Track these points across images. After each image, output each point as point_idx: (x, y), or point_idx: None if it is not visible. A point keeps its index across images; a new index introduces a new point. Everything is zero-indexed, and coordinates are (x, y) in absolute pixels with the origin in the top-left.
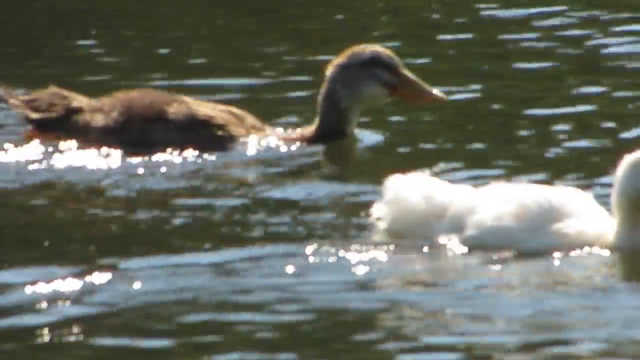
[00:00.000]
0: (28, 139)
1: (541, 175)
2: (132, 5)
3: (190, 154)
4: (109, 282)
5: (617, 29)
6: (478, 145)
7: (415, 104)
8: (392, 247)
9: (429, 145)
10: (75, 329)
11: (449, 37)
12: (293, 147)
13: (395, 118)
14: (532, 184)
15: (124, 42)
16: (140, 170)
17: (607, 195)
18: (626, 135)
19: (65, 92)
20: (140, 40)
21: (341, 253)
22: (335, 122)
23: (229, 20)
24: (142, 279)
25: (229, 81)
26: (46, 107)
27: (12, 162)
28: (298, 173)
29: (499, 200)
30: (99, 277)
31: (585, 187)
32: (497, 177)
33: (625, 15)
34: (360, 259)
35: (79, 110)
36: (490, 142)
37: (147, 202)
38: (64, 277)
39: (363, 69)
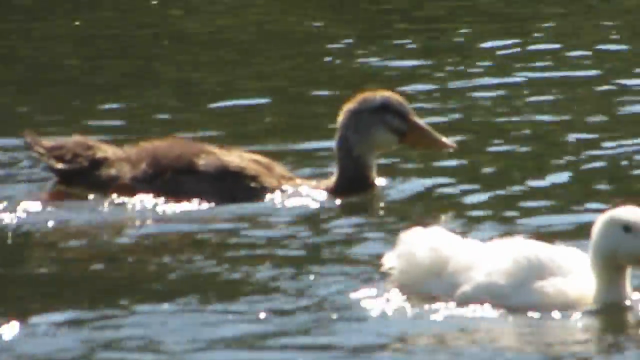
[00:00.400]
0: (53, 192)
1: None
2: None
3: (221, 205)
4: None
5: None
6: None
7: (424, 151)
8: (394, 301)
9: (454, 193)
10: None
11: None
12: (321, 199)
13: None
14: (532, 241)
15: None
16: (170, 221)
17: None
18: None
19: (90, 142)
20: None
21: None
22: (353, 169)
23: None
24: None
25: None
26: (71, 158)
27: (34, 215)
28: (319, 227)
29: (493, 257)
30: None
31: None
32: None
33: None
34: (361, 312)
35: (103, 161)
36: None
37: (173, 249)
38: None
39: (373, 115)
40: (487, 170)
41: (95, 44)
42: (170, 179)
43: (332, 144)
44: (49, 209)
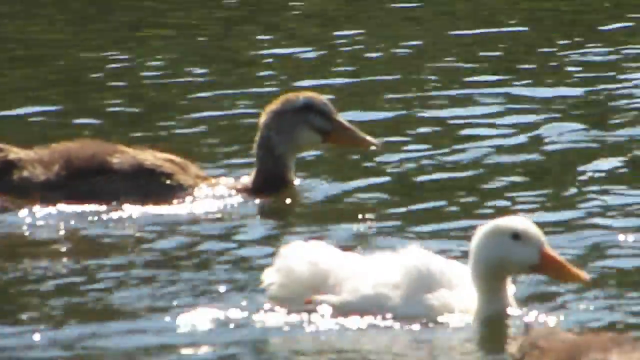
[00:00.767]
0: None
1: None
2: None
3: (137, 203)
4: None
5: None
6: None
7: (349, 149)
8: (272, 313)
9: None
10: None
11: None
12: (236, 198)
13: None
14: (417, 252)
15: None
16: (87, 223)
17: None
18: None
19: (0, 145)
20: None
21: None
22: (273, 169)
23: None
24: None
25: None
26: None
27: None
28: (227, 228)
29: (376, 269)
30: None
31: None
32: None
33: None
34: (238, 322)
35: (15, 163)
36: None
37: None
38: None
39: (296, 115)
40: (409, 172)
41: None
42: (84, 179)
43: None
44: None
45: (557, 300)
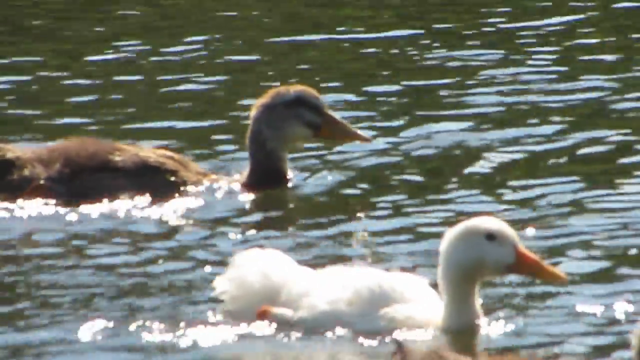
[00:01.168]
0: None
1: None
2: None
3: (142, 200)
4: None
5: None
6: None
7: (339, 144)
8: (223, 325)
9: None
10: None
11: None
12: (237, 194)
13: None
14: (369, 269)
15: None
16: (90, 220)
17: None
18: None
19: None
20: None
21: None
22: (265, 162)
23: None
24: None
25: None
26: None
27: None
28: (226, 223)
29: (331, 284)
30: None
31: None
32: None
33: None
34: (189, 337)
35: (15, 162)
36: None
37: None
38: None
39: (287, 109)
40: (404, 168)
41: None
42: (88, 176)
43: None
44: None
45: None
